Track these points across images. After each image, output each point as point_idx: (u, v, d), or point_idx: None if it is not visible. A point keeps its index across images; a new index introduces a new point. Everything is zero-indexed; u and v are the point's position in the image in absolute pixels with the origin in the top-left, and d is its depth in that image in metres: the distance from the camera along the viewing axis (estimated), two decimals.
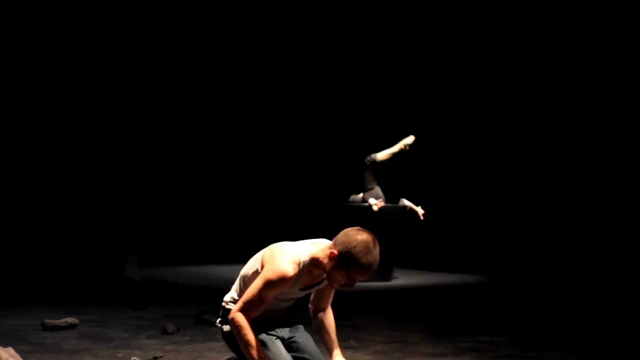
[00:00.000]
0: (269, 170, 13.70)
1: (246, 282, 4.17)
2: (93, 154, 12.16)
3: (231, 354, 4.45)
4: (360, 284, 10.40)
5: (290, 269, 3.95)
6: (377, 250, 3.92)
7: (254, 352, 3.94)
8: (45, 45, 11.86)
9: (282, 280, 3.94)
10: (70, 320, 6.65)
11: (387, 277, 10.75)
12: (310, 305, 4.36)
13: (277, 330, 4.27)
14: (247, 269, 4.20)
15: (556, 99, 12.84)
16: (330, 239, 4.05)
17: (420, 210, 10.67)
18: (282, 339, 4.26)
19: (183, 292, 9.21)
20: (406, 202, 10.69)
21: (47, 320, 6.57)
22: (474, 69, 13.49)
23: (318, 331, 4.33)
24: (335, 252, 3.92)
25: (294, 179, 13.64)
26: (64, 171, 12.07)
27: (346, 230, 3.99)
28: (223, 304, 4.28)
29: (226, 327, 4.20)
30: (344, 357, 4.24)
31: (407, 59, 13.88)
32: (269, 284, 3.95)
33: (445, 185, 13.57)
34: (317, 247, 4.04)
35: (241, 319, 3.96)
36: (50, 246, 11.62)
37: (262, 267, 4.06)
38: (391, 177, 12.03)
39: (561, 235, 12.53)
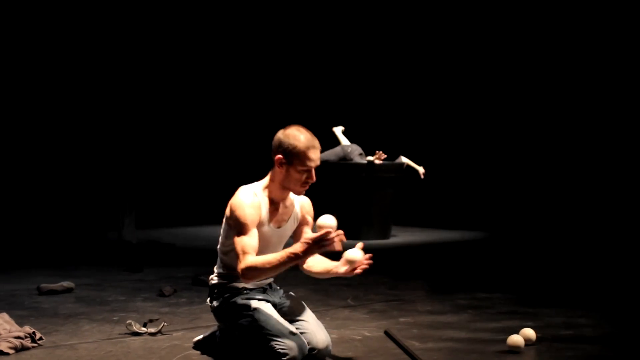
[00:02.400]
0: (265, 130, 13.62)
1: (223, 250, 4.28)
2: (88, 118, 12.07)
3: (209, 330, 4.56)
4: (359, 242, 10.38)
5: (250, 199, 4.10)
6: (308, 132, 4.11)
7: (283, 258, 3.92)
8: (39, 26, 11.75)
9: (251, 211, 4.06)
10: (66, 284, 6.61)
11: (386, 234, 10.73)
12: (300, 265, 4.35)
13: (268, 294, 4.32)
14: (220, 237, 4.29)
15: (556, 63, 12.74)
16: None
17: (421, 170, 10.61)
18: (274, 304, 4.30)
19: (180, 254, 9.18)
20: (404, 160, 10.64)
21: (42, 285, 6.53)
22: (473, 39, 13.39)
23: (315, 274, 4.32)
24: (280, 155, 4.10)
25: None
26: (59, 134, 11.99)
27: (275, 137, 4.16)
28: (210, 281, 4.38)
29: (215, 303, 4.30)
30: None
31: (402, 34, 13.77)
32: (244, 222, 4.04)
33: (443, 141, 13.50)
34: (263, 179, 4.23)
35: (247, 263, 3.94)
36: (46, 209, 11.57)
37: (227, 221, 4.15)
38: (391, 134, 12.00)
39: (561, 191, 12.50)
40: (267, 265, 3.93)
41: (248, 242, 4.01)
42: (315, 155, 4.10)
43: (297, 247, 3.91)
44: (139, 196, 11.09)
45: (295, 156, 4.06)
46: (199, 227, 11.96)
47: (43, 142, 11.86)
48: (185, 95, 13.45)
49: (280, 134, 4.12)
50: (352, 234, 10.58)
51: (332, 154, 10.49)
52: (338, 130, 10.93)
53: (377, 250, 9.65)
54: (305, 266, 4.33)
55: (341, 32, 14.04)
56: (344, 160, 10.48)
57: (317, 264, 4.33)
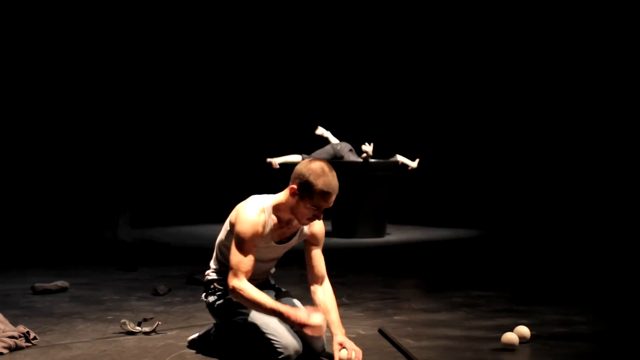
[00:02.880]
0: (260, 128, 13.62)
1: (220, 248, 4.27)
2: (82, 118, 12.04)
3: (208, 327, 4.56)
4: (354, 240, 10.39)
5: (255, 216, 4.07)
6: (333, 174, 4.05)
7: (267, 305, 3.98)
8: (34, 22, 11.72)
9: (253, 229, 4.04)
10: (60, 283, 6.59)
11: (380, 233, 10.73)
12: (310, 287, 4.36)
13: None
14: (220, 235, 4.28)
15: (549, 58, 12.73)
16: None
17: (413, 164, 10.61)
18: None
19: (175, 253, 9.17)
20: (399, 158, 10.63)
21: (37, 284, 6.52)
22: (466, 35, 13.38)
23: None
24: (295, 185, 4.04)
25: (286, 136, 13.57)
26: (54, 134, 11.96)
27: (300, 163, 4.11)
28: (205, 277, 4.38)
29: (211, 298, 4.30)
30: (347, 338, 4.16)
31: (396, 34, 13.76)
32: (244, 239, 4.04)
33: (438, 140, 13.49)
34: (279, 194, 4.18)
35: (239, 284, 4.01)
36: (40, 209, 11.55)
37: (231, 227, 4.15)
38: (386, 133, 11.97)
39: (555, 188, 12.50)
40: (252, 301, 3.99)
41: (245, 261, 4.02)
42: (329, 200, 4.02)
43: (287, 313, 3.93)
44: (133, 195, 11.08)
45: (307, 194, 4.00)
46: (193, 226, 11.94)
47: (38, 142, 11.83)
48: (179, 94, 13.43)
49: (304, 165, 4.05)
50: (347, 232, 10.63)
51: (323, 152, 10.50)
52: (324, 132, 10.89)
53: (372, 248, 9.71)
54: (314, 297, 4.31)
55: (336, 31, 14.02)
56: (336, 158, 10.49)
57: (323, 307, 4.26)
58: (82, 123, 12.03)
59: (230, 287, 4.01)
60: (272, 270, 4.47)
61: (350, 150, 10.58)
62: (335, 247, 9.58)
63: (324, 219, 4.28)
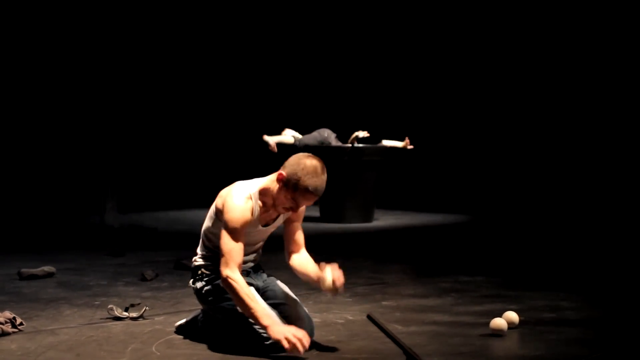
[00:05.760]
0: (252, 113, 13.58)
1: (207, 235, 4.26)
2: (69, 103, 11.97)
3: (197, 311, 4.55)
4: (342, 226, 10.37)
5: (243, 204, 4.04)
6: (324, 177, 4.02)
7: (252, 308, 3.95)
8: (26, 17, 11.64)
9: (243, 216, 4.02)
10: (47, 268, 6.56)
11: (368, 218, 10.73)
12: (286, 256, 4.36)
13: (250, 278, 4.30)
14: (206, 222, 4.26)
15: (537, 50, 12.71)
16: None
17: (400, 144, 10.57)
18: (257, 288, 4.29)
19: (162, 238, 9.14)
20: (386, 143, 10.61)
21: (23, 270, 6.48)
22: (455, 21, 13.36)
23: (300, 275, 4.32)
24: (284, 173, 4.01)
25: (276, 120, 13.54)
26: (40, 118, 11.89)
27: (297, 154, 4.09)
28: (192, 263, 4.36)
29: (198, 284, 4.30)
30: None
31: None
32: (234, 228, 4.01)
33: (426, 124, 13.46)
34: (265, 179, 4.15)
35: (232, 274, 3.97)
36: (27, 194, 11.49)
37: (217, 214, 4.14)
38: (374, 117, 11.93)
39: (543, 174, 12.51)
40: (239, 297, 3.95)
41: (236, 249, 4.00)
42: (310, 200, 4.02)
43: (267, 323, 3.92)
44: (121, 180, 11.03)
45: (293, 186, 3.99)
46: (181, 210, 11.91)
47: (24, 127, 11.76)
48: (165, 79, 13.35)
49: (300, 158, 4.04)
50: (335, 218, 10.62)
51: (311, 138, 10.49)
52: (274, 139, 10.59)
53: (360, 233, 9.70)
54: (291, 262, 4.33)
55: (324, 16, 13.97)
56: (323, 144, 10.48)
57: (302, 265, 4.29)
58: (69, 108, 11.97)
59: (224, 276, 3.98)
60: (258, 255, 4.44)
61: (336, 137, 10.61)
62: (323, 232, 9.57)
63: (312, 204, 4.26)
